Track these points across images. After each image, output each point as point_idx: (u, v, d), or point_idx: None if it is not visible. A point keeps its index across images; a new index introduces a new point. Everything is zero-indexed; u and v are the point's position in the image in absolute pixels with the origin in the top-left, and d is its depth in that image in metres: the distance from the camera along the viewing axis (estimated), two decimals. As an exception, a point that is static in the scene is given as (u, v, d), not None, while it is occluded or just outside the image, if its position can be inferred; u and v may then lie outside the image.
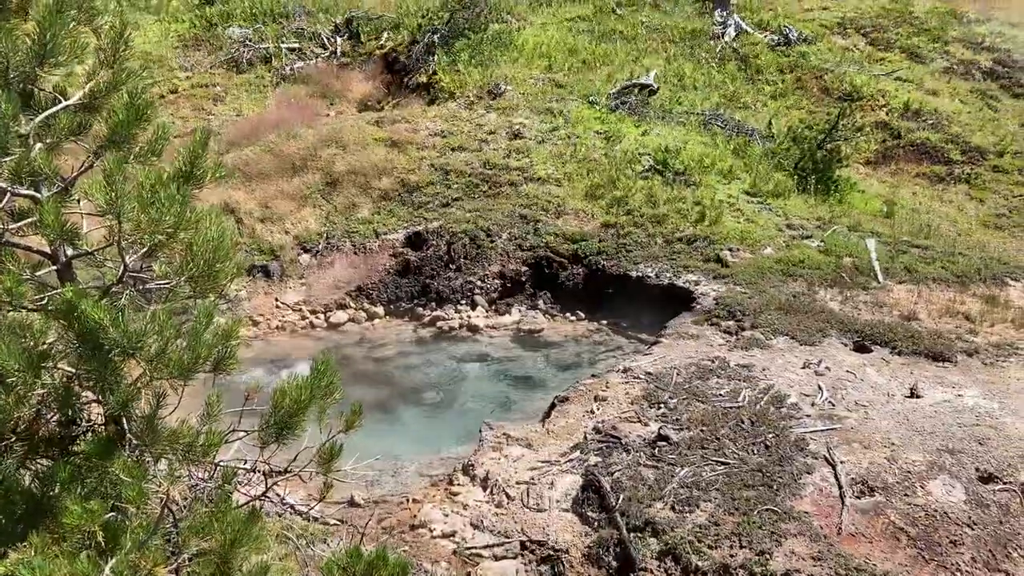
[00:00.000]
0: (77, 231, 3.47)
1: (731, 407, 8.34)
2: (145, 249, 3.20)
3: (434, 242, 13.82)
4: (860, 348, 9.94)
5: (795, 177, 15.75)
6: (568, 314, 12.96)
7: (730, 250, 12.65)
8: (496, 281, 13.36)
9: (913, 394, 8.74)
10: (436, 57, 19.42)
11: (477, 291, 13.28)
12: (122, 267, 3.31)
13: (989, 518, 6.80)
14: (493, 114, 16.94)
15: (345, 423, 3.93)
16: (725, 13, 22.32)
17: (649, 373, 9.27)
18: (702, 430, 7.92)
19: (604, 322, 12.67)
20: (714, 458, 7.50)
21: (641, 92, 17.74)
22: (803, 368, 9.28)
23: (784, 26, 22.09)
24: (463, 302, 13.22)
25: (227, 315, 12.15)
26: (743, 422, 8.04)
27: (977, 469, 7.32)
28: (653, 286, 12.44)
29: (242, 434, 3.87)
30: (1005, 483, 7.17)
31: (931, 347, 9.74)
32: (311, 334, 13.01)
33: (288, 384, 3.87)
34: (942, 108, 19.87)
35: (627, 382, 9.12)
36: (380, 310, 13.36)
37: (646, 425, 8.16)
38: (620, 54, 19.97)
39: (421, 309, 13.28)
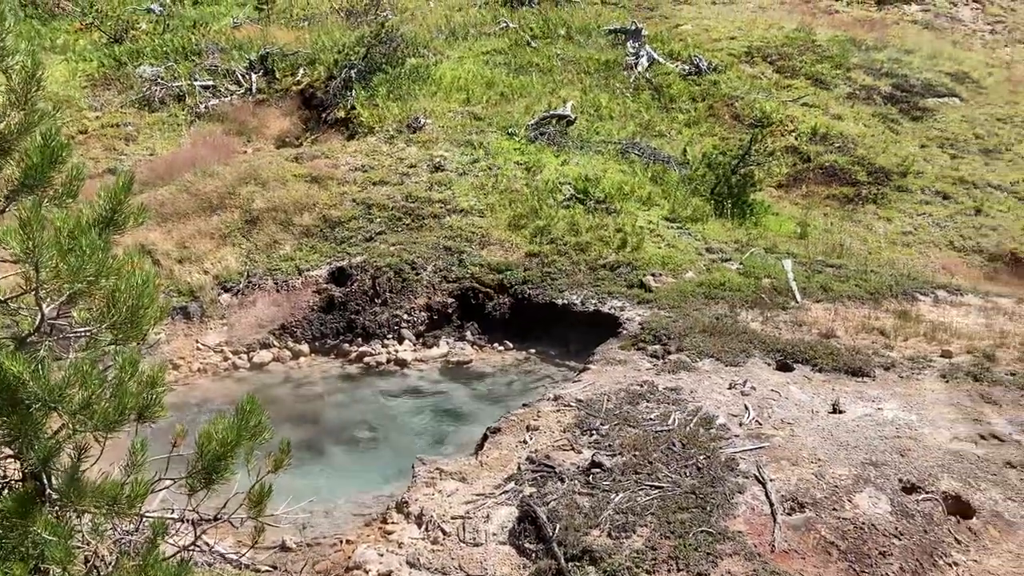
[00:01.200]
0: (-11, 279, 3.32)
1: (662, 431, 8.42)
2: (64, 298, 3.08)
3: (358, 277, 13.69)
4: (782, 367, 10.18)
5: (712, 202, 16.14)
6: (496, 344, 12.95)
7: (653, 275, 12.85)
8: (423, 314, 13.28)
9: (836, 410, 8.98)
10: (354, 92, 19.37)
11: (404, 325, 13.18)
12: (39, 316, 3.18)
13: (914, 528, 7.00)
14: (414, 147, 16.94)
15: (273, 463, 3.83)
16: (637, 44, 22.87)
17: (580, 400, 9.30)
18: (635, 455, 7.98)
19: (532, 351, 12.70)
20: (648, 482, 7.56)
21: (559, 123, 18.00)
22: (729, 389, 9.44)
23: (694, 56, 22.73)
24: (390, 336, 13.09)
25: (145, 360, 11.79)
26: (674, 445, 8.12)
27: (900, 480, 7.54)
28: (579, 313, 12.54)
29: (168, 483, 3.73)
30: (927, 492, 7.40)
31: (850, 363, 10.03)
32: (234, 375, 12.69)
33: (213, 426, 3.76)
34: (847, 132, 20.67)
35: (558, 410, 9.14)
36: (305, 348, 13.14)
37: (579, 453, 8.18)
38: (537, 86, 20.24)
39: (347, 345, 13.10)
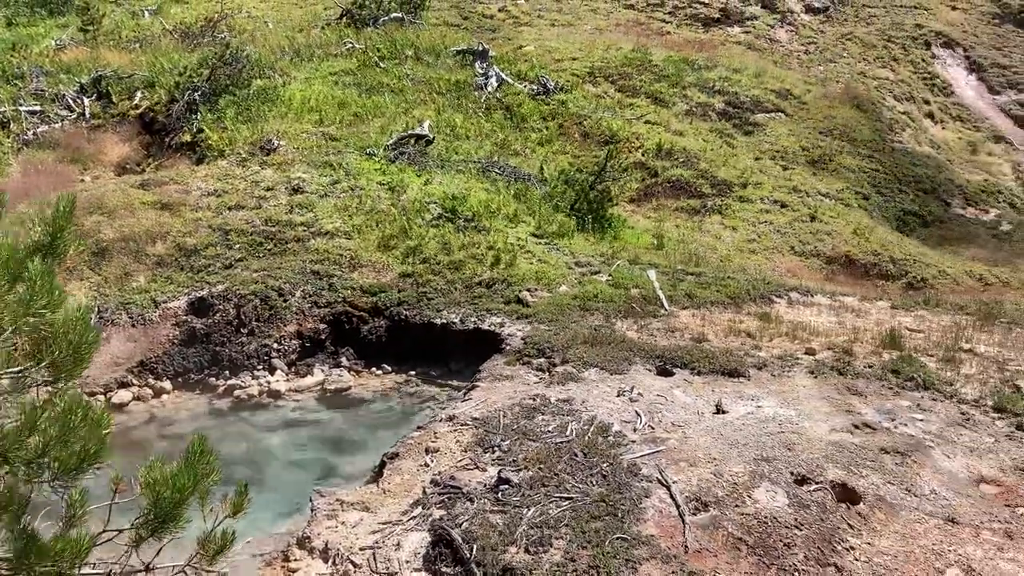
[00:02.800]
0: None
1: (562, 442, 8.48)
2: (7, 334, 2.75)
3: (221, 307, 13.09)
4: (663, 372, 10.48)
5: (573, 217, 16.50)
6: (374, 369, 12.68)
7: (529, 291, 12.97)
8: (294, 342, 12.84)
9: (719, 410, 9.32)
10: (199, 115, 18.59)
11: (274, 354, 12.69)
12: (-23, 358, 2.83)
13: (811, 517, 7.35)
14: (268, 171, 16.41)
15: (232, 507, 3.57)
16: (485, 65, 23.16)
17: (475, 418, 9.24)
18: (540, 468, 7.99)
19: (413, 373, 12.51)
20: (557, 494, 7.57)
21: (417, 142, 17.92)
22: (618, 396, 9.63)
23: (541, 76, 23.24)
24: (260, 367, 12.58)
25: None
26: (576, 455, 8.19)
27: (792, 473, 7.91)
28: (459, 332, 12.47)
29: (113, 534, 3.41)
30: (817, 483, 7.79)
31: (725, 365, 10.45)
32: (91, 419, 11.81)
33: (159, 472, 3.47)
34: (689, 147, 21.69)
35: (456, 430, 9.04)
36: (167, 384, 12.40)
37: (484, 471, 8.10)
38: (390, 106, 20.11)
39: (214, 379, 12.48)
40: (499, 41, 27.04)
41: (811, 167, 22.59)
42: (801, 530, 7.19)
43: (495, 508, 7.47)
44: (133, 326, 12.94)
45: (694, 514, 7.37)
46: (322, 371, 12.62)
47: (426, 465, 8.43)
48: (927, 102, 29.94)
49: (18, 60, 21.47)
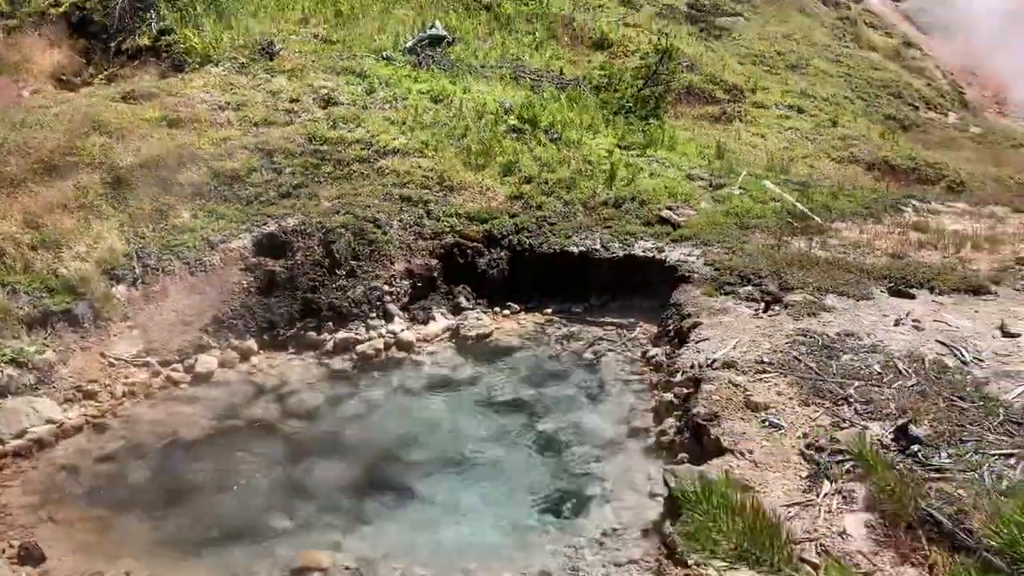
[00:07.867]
0: None
1: (913, 385, 7.11)
2: None
3: (301, 244, 10.58)
4: (899, 293, 9.26)
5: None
6: (499, 309, 10.68)
7: (671, 208, 11.29)
8: (404, 282, 10.59)
9: (1006, 333, 8.25)
10: (156, 12, 15.18)
11: (387, 298, 10.41)
12: None
13: None
14: (281, 79, 13.57)
15: None
16: (447, -40, 20.55)
17: (764, 362, 7.67)
18: (933, 420, 6.58)
19: (550, 311, 10.64)
20: (993, 452, 6.21)
21: (435, 46, 15.46)
22: (896, 325, 8.35)
23: (511, -27, 20.93)
24: (373, 314, 10.28)
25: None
26: (954, 400, 6.85)
27: None
28: (604, 260, 10.66)
29: None
30: None
31: (963, 283, 9.37)
32: (178, 394, 9.22)
33: None
34: (684, 51, 20.26)
35: (757, 380, 7.43)
36: (253, 344, 9.93)
37: (865, 427, 6.60)
38: (375, 5, 17.34)
39: (314, 333, 10.08)
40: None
41: (792, 71, 21.85)
42: None
43: (934, 476, 6.01)
44: (192, 274, 10.21)
45: None
46: (442, 315, 10.49)
47: (772, 425, 6.80)
48: (848, 7, 29.96)
49: None
